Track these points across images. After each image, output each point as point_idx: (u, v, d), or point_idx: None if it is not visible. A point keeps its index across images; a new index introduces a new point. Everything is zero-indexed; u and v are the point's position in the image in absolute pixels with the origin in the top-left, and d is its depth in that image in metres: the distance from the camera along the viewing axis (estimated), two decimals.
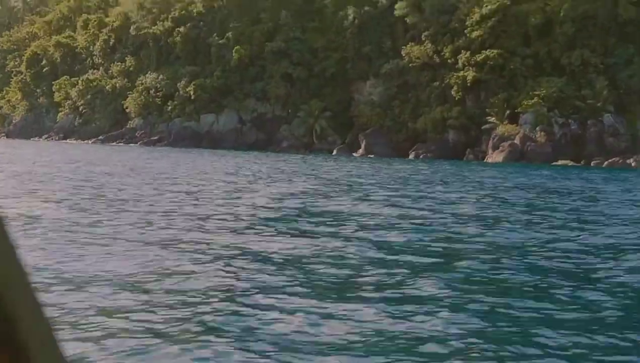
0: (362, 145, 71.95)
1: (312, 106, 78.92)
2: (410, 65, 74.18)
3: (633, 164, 59.68)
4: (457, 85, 69.98)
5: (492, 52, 68.61)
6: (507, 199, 25.60)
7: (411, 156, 69.12)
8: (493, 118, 67.52)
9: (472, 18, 70.94)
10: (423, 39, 74.32)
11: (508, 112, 66.88)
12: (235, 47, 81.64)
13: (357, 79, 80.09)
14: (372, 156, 68.01)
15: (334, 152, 72.85)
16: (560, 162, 60.53)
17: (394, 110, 75.80)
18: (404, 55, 74.53)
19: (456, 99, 70.60)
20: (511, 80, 68.94)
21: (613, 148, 64.50)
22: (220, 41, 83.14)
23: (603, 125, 65.35)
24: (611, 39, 67.68)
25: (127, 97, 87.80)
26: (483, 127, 67.85)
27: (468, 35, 70.88)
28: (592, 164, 61.10)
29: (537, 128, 64.63)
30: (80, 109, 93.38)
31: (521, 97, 66.60)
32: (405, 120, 74.63)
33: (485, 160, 64.53)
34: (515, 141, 63.70)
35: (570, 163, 60.61)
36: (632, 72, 65.97)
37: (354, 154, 70.94)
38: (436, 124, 71.27)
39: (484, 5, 70.65)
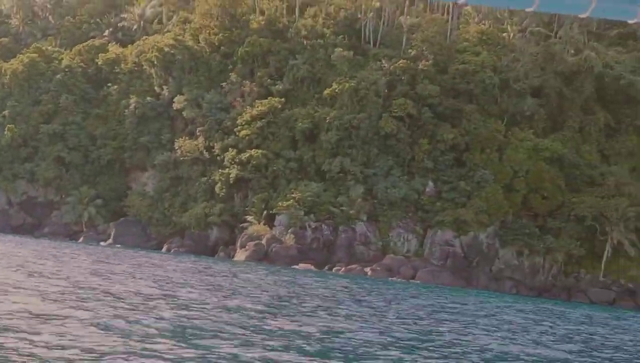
0: (112, 235, 68.92)
1: (82, 193, 75.54)
2: (181, 158, 72.75)
3: (369, 273, 59.44)
4: (221, 181, 68.90)
5: (257, 152, 68.34)
6: None
7: (164, 249, 66.73)
8: (251, 217, 66.45)
9: (243, 117, 70.86)
10: (198, 133, 73.46)
11: (265, 212, 66.01)
12: (9, 126, 77.99)
13: (135, 168, 77.99)
14: (119, 246, 64.94)
15: (80, 240, 69.38)
16: (301, 266, 59.48)
17: (164, 202, 73.67)
18: (176, 148, 73.16)
19: (220, 195, 69.32)
20: (273, 181, 68.63)
21: (363, 255, 64.49)
22: None
23: (355, 232, 65.42)
24: (373, 150, 68.91)
25: None
26: (240, 226, 66.60)
27: (238, 133, 70.55)
28: (333, 270, 60.47)
29: (289, 230, 63.86)
30: None
31: (279, 198, 66.06)
32: (173, 214, 72.49)
33: (233, 259, 62.85)
34: (262, 242, 62.50)
35: (312, 267, 59.65)
36: (389, 183, 66.99)
37: (102, 243, 67.55)
38: (199, 219, 69.42)
39: (256, 106, 70.89)
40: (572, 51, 77.56)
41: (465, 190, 67.11)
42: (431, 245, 66.08)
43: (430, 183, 68.46)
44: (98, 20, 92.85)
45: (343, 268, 59.78)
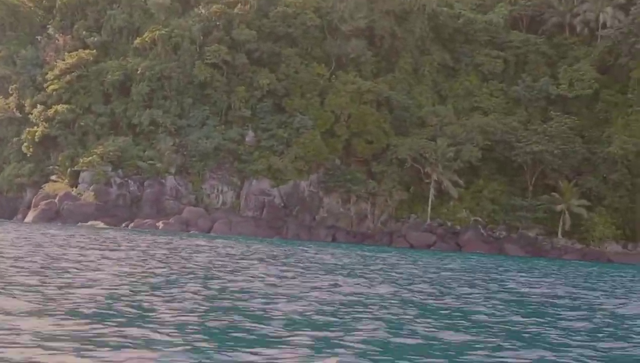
0: None
1: None
2: None
3: (160, 226, 56.63)
4: (29, 140, 65.52)
5: (62, 107, 64.92)
6: None
7: None
8: (55, 176, 63.29)
9: (53, 72, 67.29)
10: (10, 92, 69.85)
11: (70, 169, 62.84)
12: None
13: None
14: None
15: None
16: (90, 223, 56.44)
17: None
18: None
19: (28, 155, 66.04)
20: (83, 137, 65.38)
21: (173, 210, 61.65)
22: None
23: (164, 186, 62.55)
24: (187, 100, 65.82)
25: None
26: (43, 186, 63.39)
27: (47, 89, 67.06)
28: (129, 226, 57.46)
29: (91, 187, 60.78)
30: None
31: (85, 154, 62.88)
32: None
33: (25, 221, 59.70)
34: (55, 200, 59.39)
35: (101, 224, 56.62)
36: (203, 134, 63.95)
37: None
38: (10, 181, 66.16)
39: (65, 59, 67.31)
40: None
41: (283, 137, 64.35)
42: (247, 196, 63.49)
43: (251, 132, 65.65)
44: None
45: (132, 224, 56.86)
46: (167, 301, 11.93)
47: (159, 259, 22.00)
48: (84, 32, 70.15)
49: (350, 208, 65.82)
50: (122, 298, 11.85)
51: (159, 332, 8.96)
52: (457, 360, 8.83)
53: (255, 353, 8.19)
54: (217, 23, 66.91)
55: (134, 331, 8.93)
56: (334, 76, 67.65)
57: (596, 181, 65.52)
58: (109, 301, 11.37)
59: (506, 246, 61.51)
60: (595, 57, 70.39)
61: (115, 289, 12.95)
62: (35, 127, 65.48)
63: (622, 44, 69.02)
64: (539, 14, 75.86)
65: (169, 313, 10.52)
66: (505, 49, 73.10)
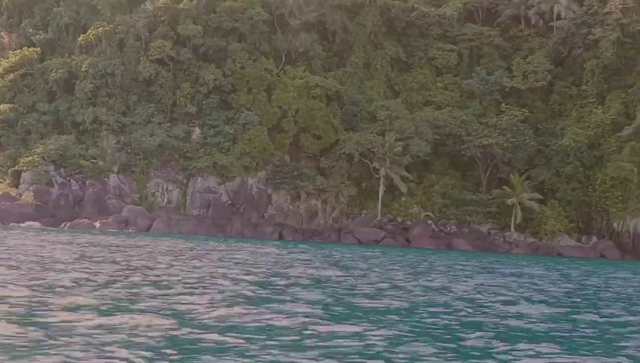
0: None
1: None
2: None
3: (98, 226, 55.56)
4: None
5: (5, 107, 63.90)
6: None
7: None
8: None
9: None
10: None
11: (11, 170, 61.78)
12: None
13: None
14: None
15: None
16: (27, 224, 55.31)
17: None
18: None
19: None
20: (25, 136, 64.33)
21: (116, 209, 60.57)
22: None
23: (107, 185, 61.50)
24: (132, 97, 64.78)
25: None
26: None
27: None
28: (66, 227, 56.29)
29: (31, 187, 59.71)
30: None
31: (26, 154, 61.82)
32: None
33: None
34: None
35: (38, 224, 55.49)
36: (147, 131, 62.81)
37: None
38: None
39: (9, 58, 66.32)
40: None
41: (229, 134, 63.36)
42: (193, 194, 62.50)
43: (197, 130, 64.66)
44: None
45: (69, 224, 55.77)
46: None
47: None
48: (30, 30, 69.07)
49: (300, 205, 64.86)
50: None
51: None
52: None
53: None
54: (163, 18, 65.84)
55: None
56: (282, 71, 66.65)
57: (549, 174, 64.66)
58: None
59: (454, 241, 60.57)
60: (549, 49, 69.48)
61: None
62: None
63: (575, 35, 68.15)
64: (494, 6, 74.91)
65: None
66: (459, 42, 72.06)
